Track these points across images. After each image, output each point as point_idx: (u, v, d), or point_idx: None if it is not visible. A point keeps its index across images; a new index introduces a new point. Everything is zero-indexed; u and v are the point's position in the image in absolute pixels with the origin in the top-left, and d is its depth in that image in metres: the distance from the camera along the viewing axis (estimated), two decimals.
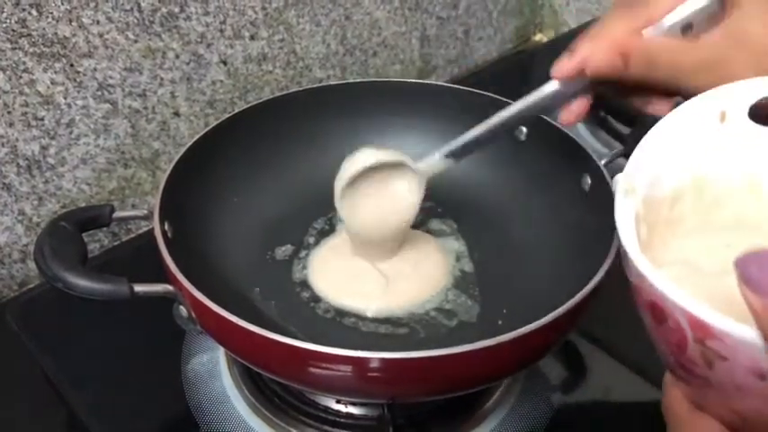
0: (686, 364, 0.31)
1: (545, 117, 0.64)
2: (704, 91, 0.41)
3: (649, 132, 0.40)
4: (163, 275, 0.49)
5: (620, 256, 0.36)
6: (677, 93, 0.47)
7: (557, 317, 0.45)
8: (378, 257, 0.61)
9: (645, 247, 0.35)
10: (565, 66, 0.49)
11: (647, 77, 0.48)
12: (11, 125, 0.63)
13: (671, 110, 0.41)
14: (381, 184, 0.58)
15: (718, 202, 0.41)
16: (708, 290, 0.32)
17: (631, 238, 0.35)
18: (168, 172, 0.56)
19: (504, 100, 0.66)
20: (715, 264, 0.35)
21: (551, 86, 0.51)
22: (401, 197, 0.59)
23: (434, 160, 0.58)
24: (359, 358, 0.43)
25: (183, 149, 0.59)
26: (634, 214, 0.37)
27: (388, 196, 0.59)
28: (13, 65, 0.61)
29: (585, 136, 0.85)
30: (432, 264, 0.62)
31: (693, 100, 0.41)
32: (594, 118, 0.86)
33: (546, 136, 0.63)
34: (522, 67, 1.04)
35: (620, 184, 0.38)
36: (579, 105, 0.51)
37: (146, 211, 0.55)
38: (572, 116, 0.52)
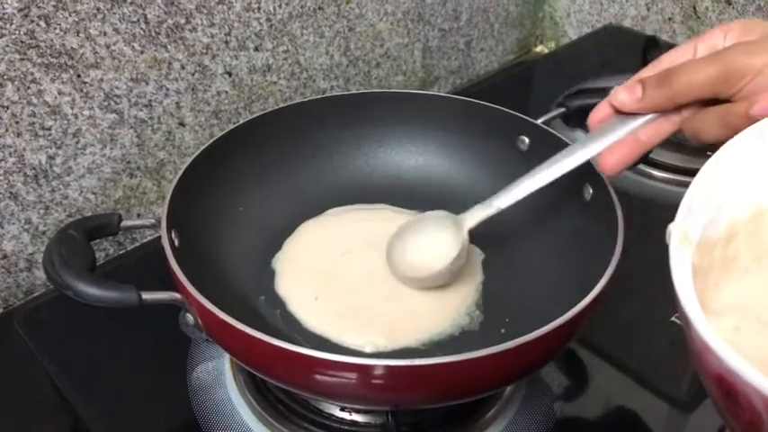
0: None
1: (547, 127, 0.65)
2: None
3: (700, 172, 0.38)
4: (169, 284, 0.49)
5: (682, 321, 0.32)
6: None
7: (559, 325, 0.45)
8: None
9: (696, 290, 0.32)
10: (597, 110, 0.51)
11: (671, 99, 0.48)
12: (18, 135, 0.63)
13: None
14: (425, 234, 0.61)
15: None
16: None
17: (692, 299, 0.32)
18: (175, 181, 0.57)
19: (506, 110, 0.67)
20: None
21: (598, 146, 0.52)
22: (444, 244, 0.59)
23: (477, 214, 0.58)
24: (363, 365, 0.44)
25: (189, 159, 0.59)
26: (691, 267, 0.34)
27: (432, 244, 0.60)
28: (22, 75, 0.62)
29: None
30: (446, 302, 0.61)
31: (744, 133, 0.39)
32: None
33: (548, 145, 0.63)
34: (524, 78, 1.05)
35: (674, 234, 0.35)
36: (623, 148, 0.51)
37: (153, 220, 0.56)
38: (613, 159, 0.51)
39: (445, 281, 0.60)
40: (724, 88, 0.46)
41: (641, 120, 0.50)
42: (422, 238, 0.61)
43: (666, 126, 0.50)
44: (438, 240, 0.59)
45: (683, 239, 0.35)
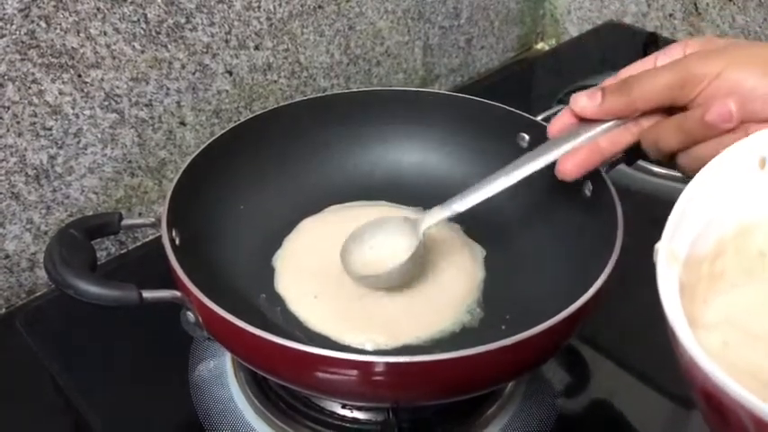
0: None
1: (547, 124, 0.65)
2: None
3: (685, 190, 0.39)
4: (170, 282, 0.49)
5: (669, 335, 0.33)
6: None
7: (558, 322, 0.45)
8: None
9: (685, 306, 0.33)
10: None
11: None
12: (19, 135, 0.64)
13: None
14: (380, 234, 0.60)
15: (762, 252, 0.40)
16: (761, 357, 0.31)
17: (679, 316, 0.32)
18: (175, 180, 0.57)
19: (507, 108, 0.67)
20: (763, 323, 0.34)
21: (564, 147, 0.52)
22: (398, 244, 0.59)
23: (434, 216, 0.58)
24: (364, 362, 0.44)
25: (190, 158, 0.59)
26: (678, 284, 0.34)
27: (386, 244, 0.60)
28: (22, 76, 0.62)
29: None
30: (447, 299, 0.60)
31: (729, 150, 0.40)
32: None
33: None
34: (524, 76, 1.04)
35: (661, 252, 0.35)
36: (582, 154, 0.51)
37: (153, 219, 0.56)
38: (571, 165, 0.52)
39: (400, 281, 0.59)
40: (681, 94, 0.47)
41: (601, 127, 0.51)
42: (377, 238, 0.60)
43: (626, 136, 0.51)
44: (393, 241, 0.59)
45: (671, 257, 0.35)
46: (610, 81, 0.52)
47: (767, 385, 0.32)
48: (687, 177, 0.48)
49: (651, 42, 0.95)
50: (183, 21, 0.69)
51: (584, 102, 0.51)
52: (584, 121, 0.52)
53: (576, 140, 0.52)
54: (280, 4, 0.76)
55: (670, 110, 0.49)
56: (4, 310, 0.70)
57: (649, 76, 0.49)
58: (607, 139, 0.51)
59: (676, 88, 0.47)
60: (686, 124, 0.46)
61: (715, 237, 0.39)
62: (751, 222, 0.40)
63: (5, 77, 0.61)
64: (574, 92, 0.68)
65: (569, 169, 0.52)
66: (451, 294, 0.60)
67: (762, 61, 0.45)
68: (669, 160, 0.49)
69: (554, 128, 0.54)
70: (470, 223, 0.67)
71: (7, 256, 0.68)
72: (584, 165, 0.52)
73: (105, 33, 0.65)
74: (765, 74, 0.44)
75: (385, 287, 0.59)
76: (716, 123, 0.45)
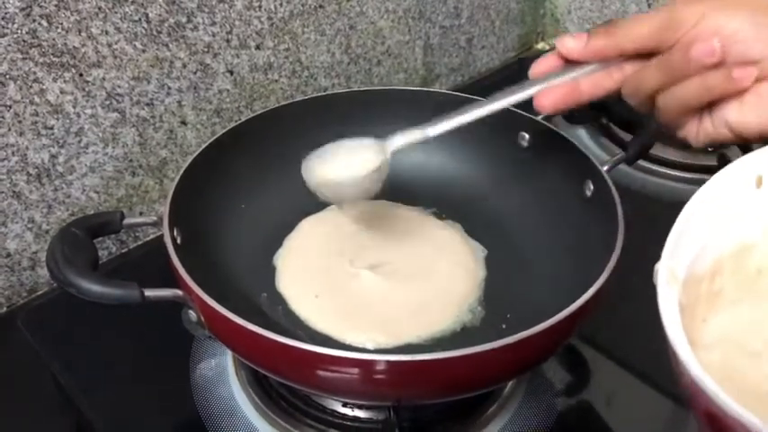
0: None
1: (548, 123, 0.65)
2: None
3: (683, 211, 0.39)
4: (171, 281, 0.50)
5: (670, 355, 0.33)
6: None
7: (559, 321, 0.45)
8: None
9: (684, 325, 0.33)
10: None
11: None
12: (21, 134, 0.64)
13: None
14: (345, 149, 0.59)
15: (760, 270, 0.40)
16: (761, 375, 0.31)
17: (681, 338, 0.32)
18: (177, 179, 0.57)
19: (508, 107, 0.67)
20: (762, 340, 0.34)
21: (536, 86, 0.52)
22: (364, 157, 0.57)
23: (404, 137, 0.57)
24: (365, 361, 0.44)
25: (191, 157, 0.60)
26: (678, 305, 0.34)
27: (351, 156, 0.58)
28: (24, 75, 0.62)
29: (587, 142, 0.86)
30: (448, 298, 0.60)
31: (726, 169, 0.40)
32: (596, 124, 0.87)
33: (548, 143, 0.64)
34: (525, 75, 1.04)
35: (661, 273, 0.36)
36: (560, 91, 0.52)
37: (155, 218, 0.56)
38: (547, 100, 0.52)
39: (361, 194, 0.58)
40: (666, 36, 0.47)
41: (584, 69, 0.51)
42: (341, 155, 0.58)
43: (608, 80, 0.51)
44: (359, 157, 0.57)
45: (670, 278, 0.35)
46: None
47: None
48: (665, 127, 0.49)
49: None
50: (184, 20, 0.70)
51: (570, 42, 0.51)
52: (569, 64, 0.52)
53: (557, 79, 0.52)
54: (281, 4, 0.76)
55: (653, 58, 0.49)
56: (5, 308, 0.70)
57: (635, 19, 0.49)
58: (589, 82, 0.51)
59: (662, 29, 0.48)
60: (669, 60, 0.47)
61: (713, 255, 0.39)
62: (748, 240, 0.40)
63: (7, 76, 0.61)
64: None
65: (545, 104, 0.52)
66: (453, 293, 0.60)
67: (745, 5, 0.46)
68: (650, 107, 0.49)
69: (537, 69, 0.53)
70: (472, 223, 0.67)
71: (8, 255, 0.68)
72: (561, 101, 0.52)
73: (107, 32, 0.65)
74: (747, 17, 0.45)
75: (344, 200, 0.58)
76: (699, 58, 0.45)
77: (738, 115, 0.46)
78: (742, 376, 0.31)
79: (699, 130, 0.49)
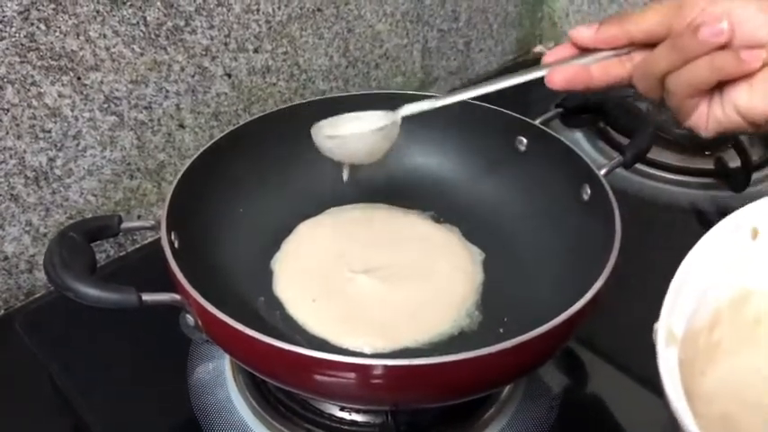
0: None
1: (545, 127, 0.65)
2: None
3: (680, 267, 0.39)
4: (169, 285, 0.50)
5: (669, 416, 0.33)
6: None
7: (556, 325, 0.45)
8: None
9: (683, 379, 0.33)
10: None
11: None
12: (19, 137, 0.64)
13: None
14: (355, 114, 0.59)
15: (758, 319, 0.40)
16: (760, 426, 0.31)
17: (681, 401, 0.32)
18: (175, 183, 0.57)
19: (505, 111, 0.67)
20: (761, 389, 0.35)
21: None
22: (375, 118, 0.58)
23: (416, 106, 0.57)
24: (362, 366, 0.44)
25: (189, 161, 0.60)
26: (678, 365, 0.34)
27: (362, 119, 0.58)
28: (22, 78, 0.62)
29: (585, 146, 0.86)
30: (446, 302, 0.60)
31: (722, 223, 0.40)
32: (594, 128, 0.87)
33: (546, 147, 0.64)
34: None
35: (660, 333, 0.36)
36: (571, 70, 0.52)
37: (153, 222, 0.56)
38: (558, 76, 0.52)
39: (368, 152, 0.58)
40: (675, 22, 0.48)
41: (595, 56, 0.52)
42: (352, 115, 0.58)
43: (618, 68, 0.52)
44: (368, 116, 0.58)
45: (669, 338, 0.36)
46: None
47: None
48: (675, 114, 0.49)
49: None
50: (182, 24, 0.70)
51: (582, 30, 0.52)
52: (582, 52, 0.53)
53: (569, 63, 0.53)
54: (279, 7, 0.77)
55: None
56: (2, 311, 0.70)
57: (645, 8, 0.50)
58: (600, 68, 0.52)
59: (670, 16, 0.48)
60: (678, 41, 0.47)
61: (711, 307, 0.39)
62: (746, 291, 0.41)
63: (5, 80, 0.61)
64: (572, 95, 0.69)
65: (556, 79, 0.52)
66: (451, 297, 0.60)
67: None
68: (659, 92, 0.50)
69: (550, 57, 0.54)
70: (469, 226, 0.67)
71: (6, 258, 0.68)
72: (572, 80, 0.52)
73: (104, 36, 0.65)
74: (754, 2, 0.46)
75: (352, 158, 0.58)
76: (707, 38, 0.46)
77: (748, 99, 0.47)
78: (742, 427, 0.31)
79: (708, 117, 0.49)
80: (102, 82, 0.66)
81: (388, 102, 0.58)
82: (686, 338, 0.37)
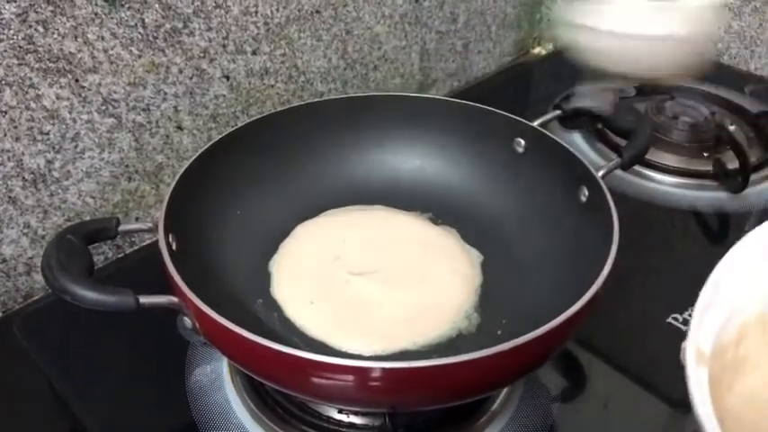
0: None
1: (543, 129, 0.65)
2: None
3: (706, 284, 0.39)
4: (167, 287, 0.49)
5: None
6: None
7: (554, 327, 0.45)
8: None
9: (711, 395, 0.33)
10: None
11: None
12: (17, 139, 0.64)
13: None
14: None
15: None
16: None
17: (712, 420, 0.32)
18: (172, 185, 0.57)
19: (504, 113, 0.67)
20: None
21: None
22: None
23: None
24: (360, 368, 0.44)
25: (187, 163, 0.59)
26: (708, 384, 0.34)
27: None
28: (20, 80, 0.62)
29: (583, 148, 0.86)
30: (444, 305, 0.60)
31: (745, 239, 0.41)
32: (591, 130, 0.87)
33: (544, 149, 0.64)
34: (521, 80, 1.05)
35: (689, 351, 0.36)
36: None
37: (150, 224, 0.56)
38: None
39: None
40: None
41: None
42: None
43: None
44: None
45: (699, 357, 0.36)
46: None
47: None
48: None
49: None
50: (180, 26, 0.70)
51: None
52: None
53: None
54: (277, 9, 0.77)
55: None
56: (0, 314, 0.69)
57: None
58: None
59: None
60: None
61: (738, 322, 0.40)
62: None
63: (3, 82, 0.61)
64: (570, 96, 0.69)
65: None
66: (449, 299, 0.60)
67: None
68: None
69: None
70: (468, 228, 0.67)
71: (4, 261, 0.68)
72: None
73: (103, 38, 0.65)
74: None
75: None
76: None
77: None
78: None
79: None
80: (100, 84, 0.66)
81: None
82: (715, 355, 0.37)
